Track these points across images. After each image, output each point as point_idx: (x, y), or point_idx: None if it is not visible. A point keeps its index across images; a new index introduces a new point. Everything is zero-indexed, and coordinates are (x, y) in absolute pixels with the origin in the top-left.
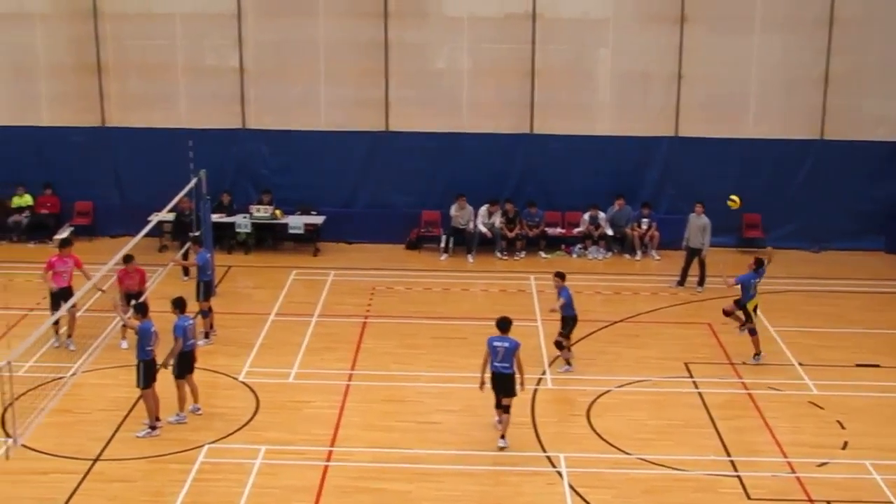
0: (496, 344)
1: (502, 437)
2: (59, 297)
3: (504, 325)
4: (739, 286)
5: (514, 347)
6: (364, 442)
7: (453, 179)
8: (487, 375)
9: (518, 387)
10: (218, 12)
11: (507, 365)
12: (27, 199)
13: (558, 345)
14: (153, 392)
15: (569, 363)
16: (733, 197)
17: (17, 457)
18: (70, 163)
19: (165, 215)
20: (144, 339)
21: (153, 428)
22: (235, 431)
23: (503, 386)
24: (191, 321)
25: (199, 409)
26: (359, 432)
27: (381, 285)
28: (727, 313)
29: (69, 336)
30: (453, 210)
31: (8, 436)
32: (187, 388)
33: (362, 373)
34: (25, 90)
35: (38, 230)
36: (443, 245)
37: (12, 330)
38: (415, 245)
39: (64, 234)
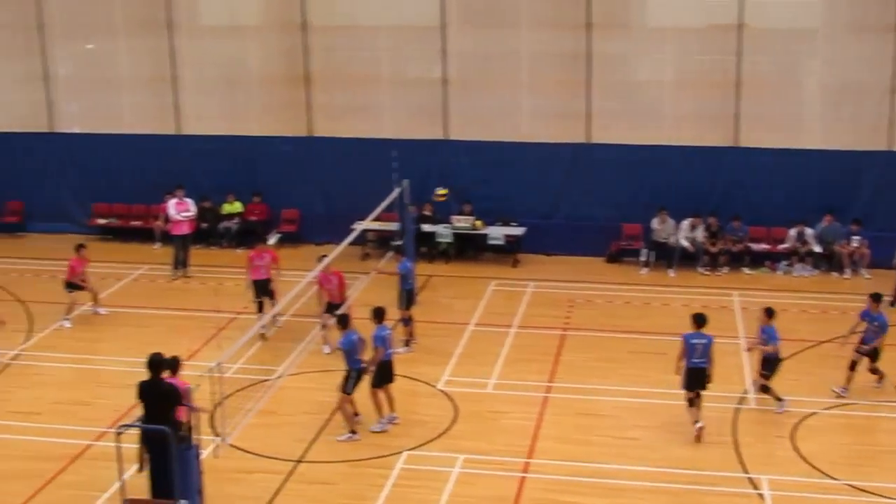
0: (694, 341)
1: (696, 421)
2: (259, 287)
3: (702, 320)
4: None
5: (711, 343)
6: (561, 455)
7: (655, 192)
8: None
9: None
10: (422, 24)
11: (704, 360)
12: (237, 207)
13: (764, 388)
14: (351, 399)
15: (779, 399)
16: (439, 191)
17: (225, 455)
18: (278, 171)
19: (369, 224)
20: (351, 350)
21: (353, 432)
22: (434, 439)
23: (700, 381)
24: (389, 331)
25: (395, 417)
26: (556, 445)
27: (580, 298)
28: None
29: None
30: (655, 223)
31: (217, 435)
32: (382, 397)
33: (560, 385)
34: (237, 101)
35: (247, 237)
36: (643, 258)
37: (222, 332)
38: (615, 258)
39: (271, 240)
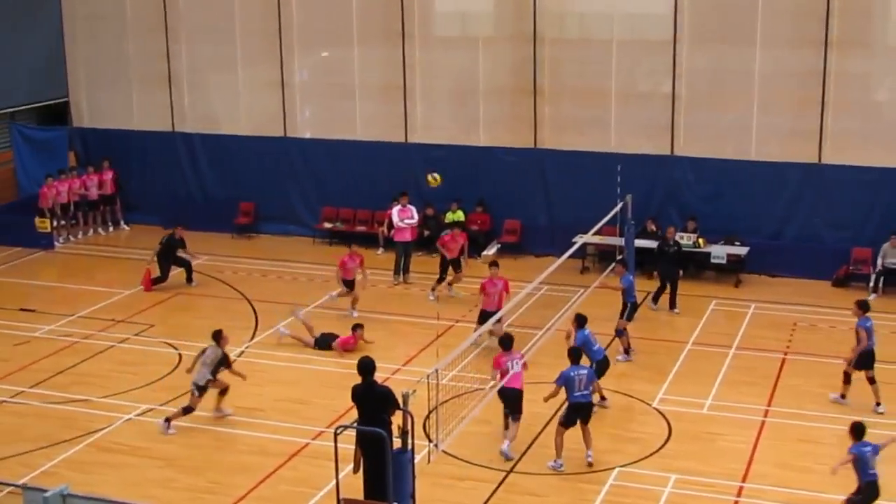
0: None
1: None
2: (448, 263)
3: (866, 305)
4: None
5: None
6: (777, 481)
7: (889, 216)
8: None
9: None
10: (654, 39)
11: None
12: (459, 215)
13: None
14: (563, 432)
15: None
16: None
17: (438, 461)
18: (502, 182)
19: (591, 237)
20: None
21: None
22: (647, 457)
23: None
24: (584, 372)
25: (589, 455)
26: (772, 470)
27: (803, 321)
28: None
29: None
30: (885, 248)
31: (431, 440)
32: (563, 438)
33: (779, 410)
34: (465, 111)
35: (468, 245)
36: (872, 284)
37: (440, 339)
38: (842, 282)
39: (491, 250)
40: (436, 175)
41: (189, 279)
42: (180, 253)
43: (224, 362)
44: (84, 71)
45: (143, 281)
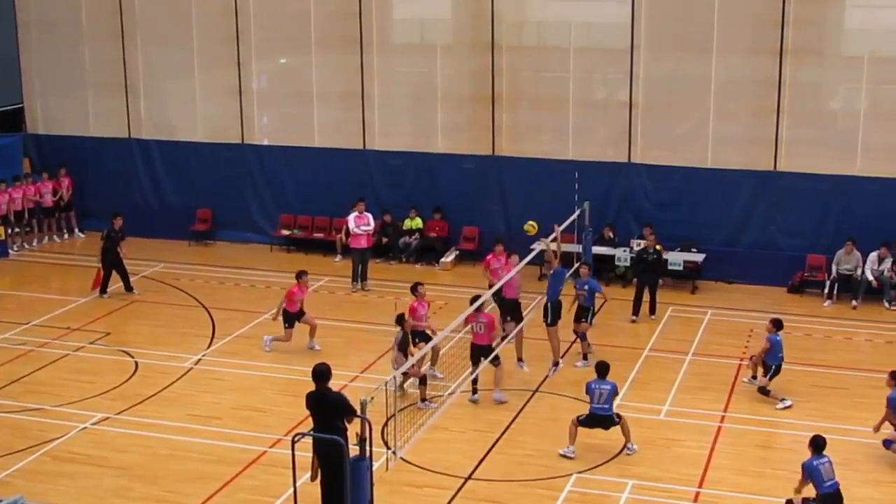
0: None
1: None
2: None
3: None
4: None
5: None
6: (733, 486)
7: (843, 223)
8: None
9: None
10: (612, 47)
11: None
12: (418, 222)
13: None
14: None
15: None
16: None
17: (396, 468)
18: (460, 189)
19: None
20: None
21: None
22: (604, 463)
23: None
24: (604, 386)
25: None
26: (729, 475)
27: (759, 327)
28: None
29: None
30: (840, 254)
31: (389, 447)
32: (577, 430)
33: (735, 416)
34: (423, 118)
35: (426, 253)
36: (827, 290)
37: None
38: (797, 289)
39: (449, 258)
40: (533, 223)
41: (128, 288)
42: (120, 250)
43: (406, 342)
44: (39, 77)
45: (93, 283)
